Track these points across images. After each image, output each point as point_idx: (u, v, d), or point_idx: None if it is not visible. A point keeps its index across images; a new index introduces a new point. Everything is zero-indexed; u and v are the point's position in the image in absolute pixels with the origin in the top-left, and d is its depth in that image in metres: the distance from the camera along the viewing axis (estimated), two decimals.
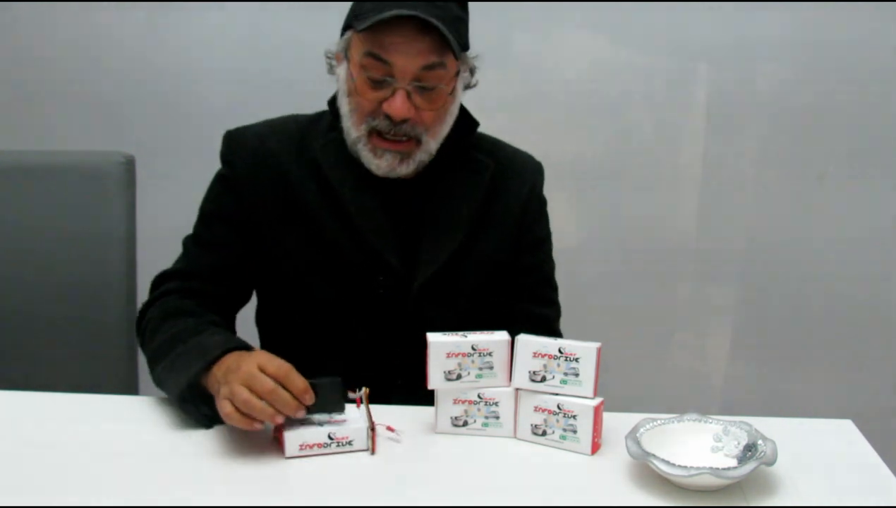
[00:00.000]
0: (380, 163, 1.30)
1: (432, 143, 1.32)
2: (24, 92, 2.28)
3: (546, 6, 2.17)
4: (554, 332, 1.45)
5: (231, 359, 1.16)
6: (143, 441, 1.16)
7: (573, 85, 2.23)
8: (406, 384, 1.26)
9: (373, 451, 1.12)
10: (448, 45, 1.25)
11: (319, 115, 1.41)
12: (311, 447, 1.11)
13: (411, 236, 1.35)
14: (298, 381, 1.10)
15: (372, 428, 1.13)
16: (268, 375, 1.10)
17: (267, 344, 1.44)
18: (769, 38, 2.18)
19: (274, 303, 1.44)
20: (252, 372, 1.10)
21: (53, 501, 1.01)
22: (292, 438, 1.11)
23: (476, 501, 1.02)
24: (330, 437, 1.11)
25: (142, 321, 1.38)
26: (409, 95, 1.26)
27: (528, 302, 1.44)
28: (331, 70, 1.38)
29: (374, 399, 1.15)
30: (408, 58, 1.24)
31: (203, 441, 1.16)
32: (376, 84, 1.26)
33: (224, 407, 1.10)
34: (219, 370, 1.16)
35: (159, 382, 1.26)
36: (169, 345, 1.25)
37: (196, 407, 1.19)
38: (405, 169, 1.31)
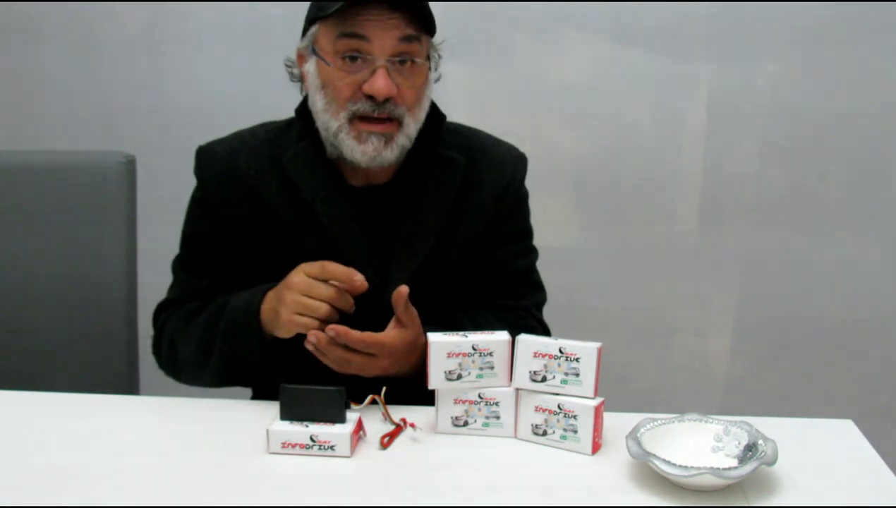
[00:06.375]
0: (365, 149, 1.27)
1: (412, 126, 1.29)
2: (24, 92, 2.28)
3: (546, 6, 2.17)
4: (520, 326, 1.38)
5: (268, 301, 1.26)
6: (143, 441, 1.16)
7: (573, 84, 2.23)
8: (392, 388, 1.23)
9: (350, 453, 1.12)
10: (422, 16, 1.25)
11: (291, 122, 1.39)
12: (294, 446, 1.11)
13: (384, 245, 1.34)
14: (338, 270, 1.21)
15: (360, 430, 1.14)
16: (310, 275, 1.21)
17: None
18: (769, 37, 2.18)
19: None
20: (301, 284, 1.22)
21: (53, 501, 1.01)
22: (276, 435, 1.12)
23: (476, 501, 1.02)
24: (312, 439, 1.11)
25: (160, 347, 1.40)
26: (388, 73, 1.24)
27: (495, 296, 1.42)
28: (292, 78, 1.37)
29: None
30: (385, 31, 1.23)
31: (210, 441, 1.16)
32: (353, 64, 1.25)
33: (299, 324, 1.21)
34: (265, 315, 1.26)
35: (224, 363, 1.31)
36: (207, 342, 1.31)
37: (274, 366, 1.28)
38: (390, 154, 1.28)
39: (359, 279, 1.20)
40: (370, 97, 1.25)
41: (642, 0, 2.15)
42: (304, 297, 1.21)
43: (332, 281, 1.21)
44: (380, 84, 1.24)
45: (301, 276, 1.22)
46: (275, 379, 1.22)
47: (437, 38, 1.33)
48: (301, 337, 1.22)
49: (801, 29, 2.16)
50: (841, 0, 2.12)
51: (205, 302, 1.37)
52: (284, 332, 1.24)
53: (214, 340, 1.30)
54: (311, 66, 1.30)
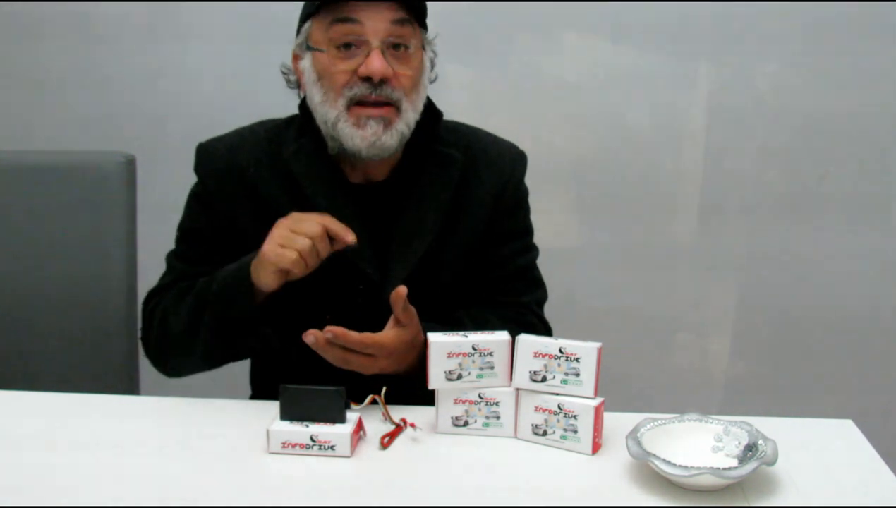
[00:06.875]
0: (364, 134, 1.27)
1: (410, 113, 1.30)
2: (24, 92, 2.28)
3: (546, 6, 2.17)
4: (521, 323, 1.39)
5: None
6: (143, 441, 1.16)
7: (573, 85, 2.23)
8: (392, 388, 1.22)
9: (350, 453, 1.12)
10: (411, 3, 1.25)
11: (290, 120, 1.39)
12: (294, 446, 1.11)
13: (384, 242, 1.34)
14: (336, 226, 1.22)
15: (359, 430, 1.15)
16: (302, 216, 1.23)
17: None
18: (769, 37, 2.18)
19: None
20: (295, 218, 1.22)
21: (53, 501, 1.01)
22: (276, 435, 1.12)
23: (476, 501, 1.02)
24: (312, 439, 1.11)
25: (149, 331, 1.39)
26: (383, 55, 1.25)
27: (496, 294, 1.42)
28: (289, 84, 1.37)
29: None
30: (376, 12, 1.24)
31: (210, 441, 1.16)
32: (348, 51, 1.26)
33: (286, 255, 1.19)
34: (255, 271, 1.24)
35: (214, 330, 1.29)
36: (198, 308, 1.30)
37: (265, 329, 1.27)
38: (389, 139, 1.28)
39: (351, 238, 1.21)
40: (366, 80, 1.26)
41: (642, 0, 2.15)
42: (288, 231, 1.21)
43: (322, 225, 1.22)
44: (375, 64, 1.24)
45: (293, 214, 1.23)
46: (266, 347, 1.22)
47: (430, 34, 1.34)
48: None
49: (800, 29, 2.16)
50: (841, 0, 2.12)
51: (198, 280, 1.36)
52: (266, 273, 1.22)
53: (205, 306, 1.29)
54: (306, 62, 1.31)
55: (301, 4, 1.33)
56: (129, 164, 1.60)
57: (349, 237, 1.21)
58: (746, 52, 2.19)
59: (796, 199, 2.26)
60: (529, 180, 1.45)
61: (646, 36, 2.19)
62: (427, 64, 1.34)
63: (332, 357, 1.20)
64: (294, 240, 1.20)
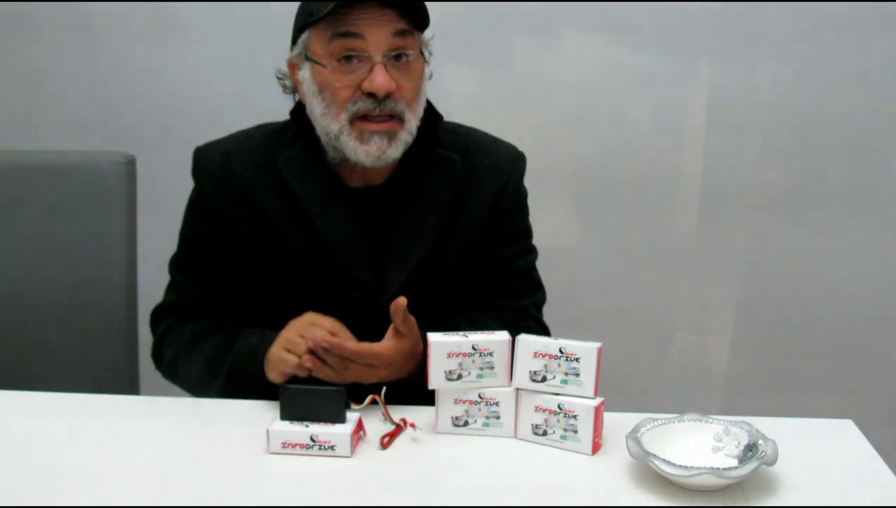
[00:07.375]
0: (369, 150, 1.27)
1: (413, 121, 1.29)
2: (24, 92, 2.28)
3: (546, 6, 2.17)
4: (520, 327, 1.37)
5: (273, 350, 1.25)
6: (143, 441, 1.16)
7: (573, 85, 2.23)
8: (392, 388, 1.22)
9: (350, 453, 1.12)
10: (413, 9, 1.25)
11: (288, 124, 1.38)
12: (294, 446, 1.12)
13: (381, 246, 1.34)
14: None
15: (359, 430, 1.15)
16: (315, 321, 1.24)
17: None
18: (769, 37, 2.18)
19: (260, 312, 1.44)
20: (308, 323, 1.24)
21: (54, 501, 1.01)
22: (276, 435, 1.12)
23: (476, 501, 1.02)
24: (312, 439, 1.11)
25: (160, 355, 1.42)
26: (385, 69, 1.24)
27: (494, 296, 1.42)
28: (285, 90, 1.36)
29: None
30: (378, 27, 1.23)
31: (211, 441, 1.17)
32: (349, 64, 1.24)
33: (291, 361, 1.21)
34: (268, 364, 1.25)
35: (226, 396, 1.32)
36: (209, 376, 1.32)
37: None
38: (394, 151, 1.28)
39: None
40: (370, 95, 1.25)
41: (642, 0, 2.15)
42: (297, 336, 1.23)
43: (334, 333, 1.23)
44: (380, 80, 1.23)
45: (307, 317, 1.25)
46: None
47: (426, 34, 1.33)
48: None
49: (800, 28, 2.16)
50: (841, 0, 2.12)
51: (209, 323, 1.37)
52: (273, 371, 1.25)
53: (217, 375, 1.32)
54: (305, 73, 1.30)
55: (297, 5, 1.32)
56: (129, 164, 1.60)
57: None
58: (746, 51, 2.19)
59: (796, 199, 2.26)
60: (529, 180, 1.45)
61: (646, 36, 2.19)
62: (426, 67, 1.33)
63: (331, 363, 1.20)
64: (300, 347, 1.21)
